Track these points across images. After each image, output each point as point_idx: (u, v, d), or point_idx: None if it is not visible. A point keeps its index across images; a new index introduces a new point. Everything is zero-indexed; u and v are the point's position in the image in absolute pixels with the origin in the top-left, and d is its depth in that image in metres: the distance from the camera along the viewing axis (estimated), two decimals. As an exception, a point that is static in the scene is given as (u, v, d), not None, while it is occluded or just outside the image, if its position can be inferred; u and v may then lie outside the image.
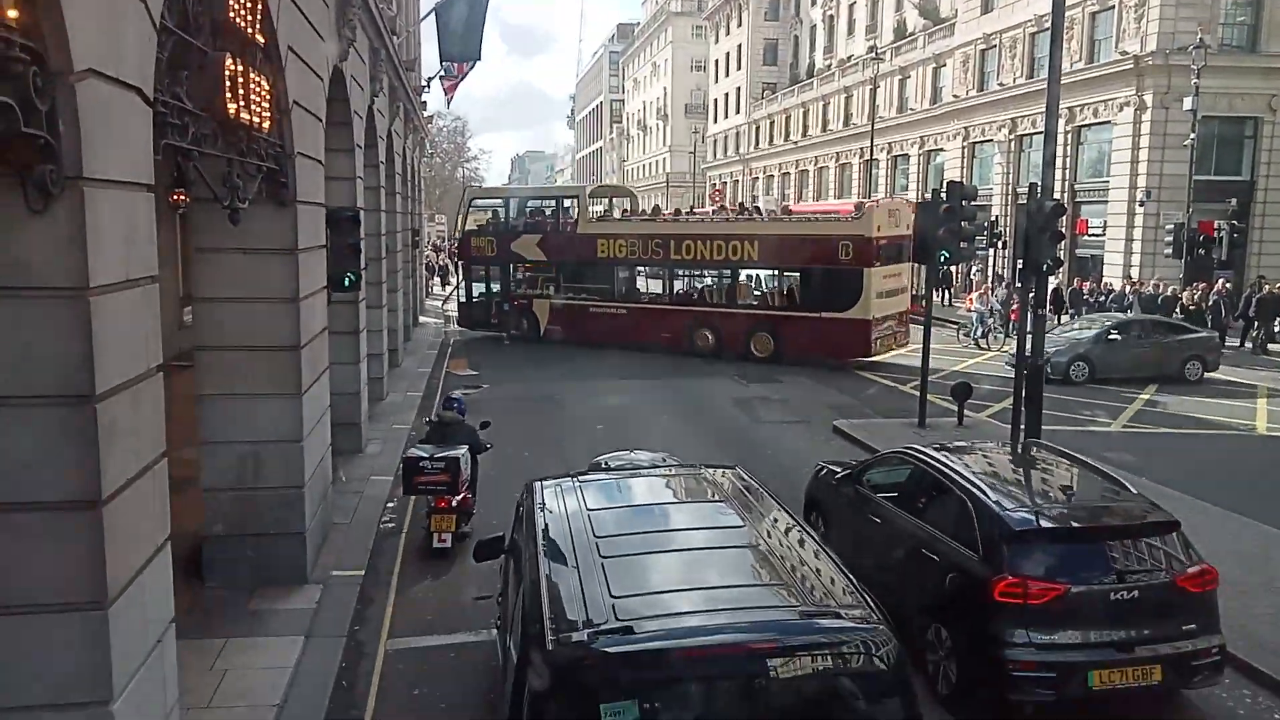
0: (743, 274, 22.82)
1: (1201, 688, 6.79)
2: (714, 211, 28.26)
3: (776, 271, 22.44)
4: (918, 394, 15.39)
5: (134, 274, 4.61)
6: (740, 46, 72.69)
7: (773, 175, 65.65)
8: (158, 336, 5.00)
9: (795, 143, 60.56)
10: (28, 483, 4.05)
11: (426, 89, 26.41)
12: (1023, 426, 12.70)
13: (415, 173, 31.49)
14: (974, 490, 7.11)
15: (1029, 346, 12.48)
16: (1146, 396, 18.64)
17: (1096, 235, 32.04)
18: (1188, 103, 26.51)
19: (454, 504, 9.79)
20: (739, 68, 73.00)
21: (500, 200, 29.00)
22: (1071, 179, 33.20)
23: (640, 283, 24.47)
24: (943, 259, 14.16)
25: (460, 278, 29.54)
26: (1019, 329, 12.96)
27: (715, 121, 79.41)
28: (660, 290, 24.06)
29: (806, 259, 21.42)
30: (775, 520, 5.61)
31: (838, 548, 5.85)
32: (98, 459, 4.14)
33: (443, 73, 28.66)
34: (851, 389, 19.47)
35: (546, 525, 5.38)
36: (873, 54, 45.52)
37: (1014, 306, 20.44)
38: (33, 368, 4.02)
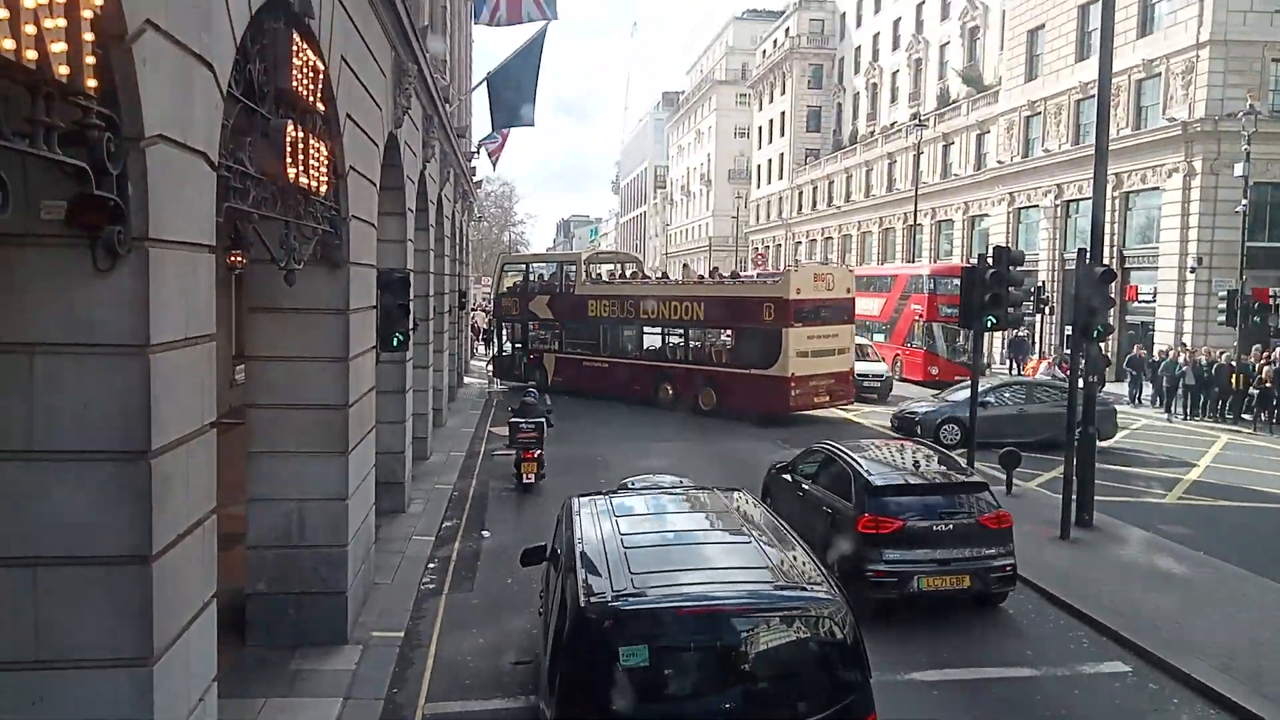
0: (692, 333, 24.72)
1: (997, 591, 9.76)
2: (714, 276, 29.02)
3: (717, 331, 24.26)
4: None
5: (192, 332, 4.71)
6: (783, 113, 73.66)
7: (815, 239, 65.84)
8: (213, 393, 5.10)
9: (838, 207, 60.79)
10: (81, 536, 4.11)
11: (476, 155, 27.06)
12: (1074, 498, 12.38)
13: (464, 236, 32.08)
14: (855, 465, 10.40)
15: (1079, 413, 12.23)
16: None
17: (1147, 302, 31.53)
18: (1239, 169, 26.16)
19: (537, 455, 15.09)
20: (782, 134, 73.88)
21: (523, 265, 32.73)
22: (1120, 245, 32.82)
23: (620, 340, 26.54)
24: (989, 324, 14.00)
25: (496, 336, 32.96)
26: (1070, 394, 12.71)
27: (758, 186, 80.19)
28: (634, 347, 26.20)
29: (739, 319, 23.28)
30: (766, 523, 6.90)
31: (779, 513, 8.10)
32: (149, 514, 4.19)
33: (492, 141, 29.48)
34: (852, 434, 19.53)
35: (582, 526, 6.58)
36: (916, 120, 45.85)
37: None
38: (91, 422, 4.11)
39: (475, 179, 33.44)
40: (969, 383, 22.37)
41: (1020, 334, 33.83)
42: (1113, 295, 12.44)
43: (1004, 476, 14.69)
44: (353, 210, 8.64)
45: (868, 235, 56.63)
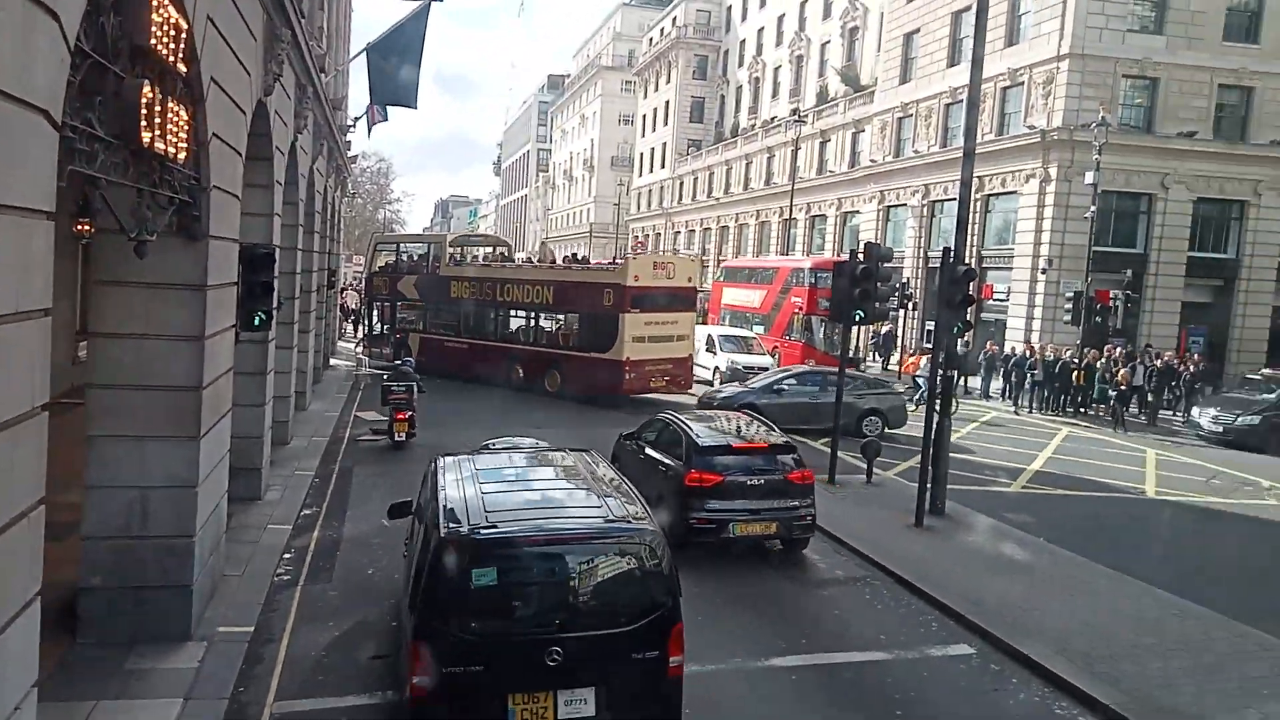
0: (541, 316, 25.30)
1: (799, 536, 11.40)
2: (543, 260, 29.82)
3: (562, 315, 24.79)
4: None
5: (25, 305, 4.33)
6: (668, 103, 74.13)
7: (694, 230, 66.63)
8: (46, 373, 4.70)
9: (717, 199, 61.69)
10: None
11: (352, 128, 26.09)
12: (929, 485, 12.93)
13: (335, 212, 30.99)
14: (687, 429, 11.96)
15: (938, 407, 12.76)
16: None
17: (1001, 300, 33.22)
18: (1089, 177, 27.82)
19: (409, 415, 17.11)
20: (665, 123, 74.35)
21: (393, 245, 32.79)
22: (979, 245, 34.45)
23: (477, 322, 27.01)
24: (857, 318, 14.43)
25: (366, 316, 33.37)
26: (929, 389, 13.24)
27: (640, 175, 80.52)
28: (489, 329, 26.60)
29: (580, 304, 23.85)
30: (606, 477, 7.91)
31: (626, 476, 8.62)
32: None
33: (377, 119, 28.55)
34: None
35: (445, 478, 7.47)
36: (795, 116, 46.90)
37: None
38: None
39: (350, 153, 32.30)
40: (773, 369, 24.40)
41: (886, 329, 35.20)
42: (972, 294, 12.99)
43: (864, 465, 15.23)
44: (214, 180, 8.17)
45: (745, 227, 57.70)
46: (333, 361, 30.22)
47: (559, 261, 29.26)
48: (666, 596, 6.40)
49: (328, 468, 15.49)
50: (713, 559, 11.32)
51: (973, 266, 14.31)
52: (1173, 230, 31.60)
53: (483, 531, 6.30)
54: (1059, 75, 31.48)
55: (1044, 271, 30.90)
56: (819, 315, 30.30)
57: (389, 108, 27.91)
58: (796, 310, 31.81)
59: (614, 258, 31.06)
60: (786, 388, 20.18)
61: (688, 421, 12.34)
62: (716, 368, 27.59)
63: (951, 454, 13.99)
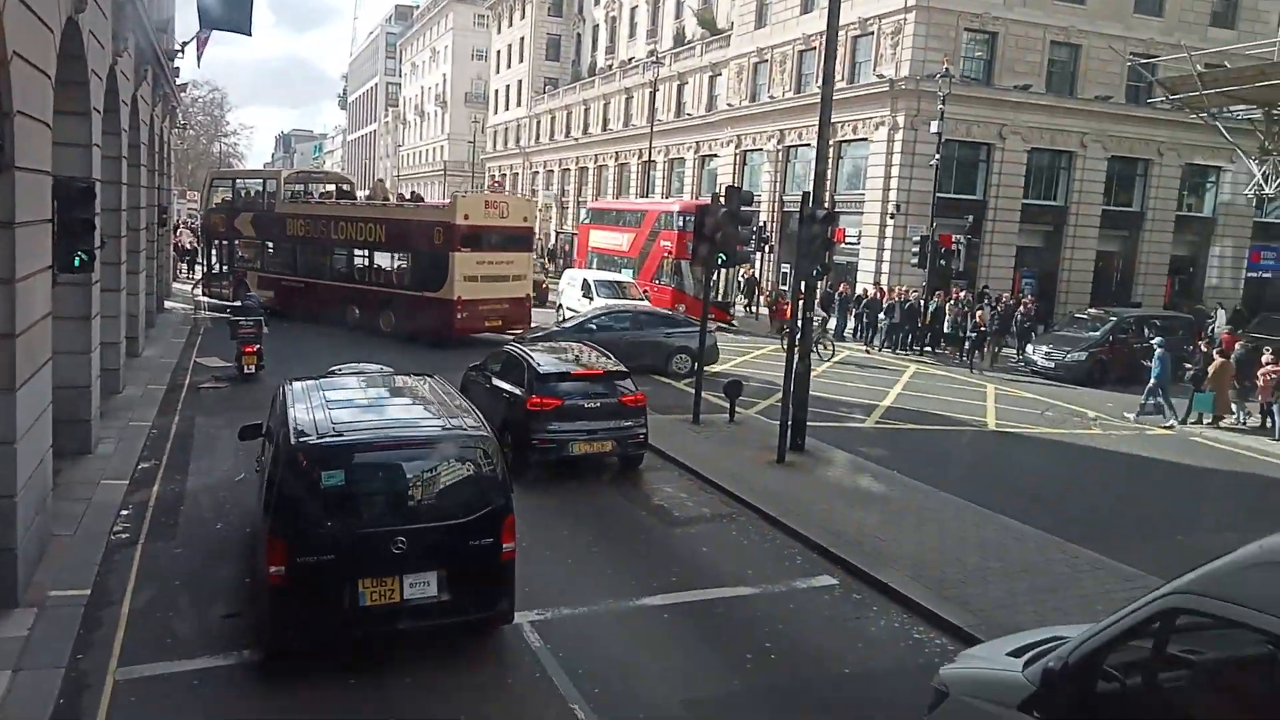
0: (375, 255, 24.95)
1: (634, 454, 12.49)
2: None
3: (395, 253, 24.49)
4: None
5: None
6: (523, 39, 72.16)
7: (553, 170, 65.66)
8: None
9: (576, 139, 60.87)
10: None
11: (180, 54, 23.98)
12: (790, 422, 13.25)
13: (165, 145, 28.65)
14: (529, 359, 12.65)
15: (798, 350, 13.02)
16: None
17: (853, 244, 34.29)
18: (934, 126, 28.83)
19: (257, 349, 17.54)
20: (521, 60, 72.46)
21: (230, 181, 31.80)
22: (833, 190, 35.30)
23: (313, 260, 26.47)
24: (720, 260, 14.49)
25: (205, 255, 32.41)
26: (790, 332, 13.50)
27: (496, 112, 78.43)
28: (325, 268, 26.11)
29: (412, 243, 23.58)
30: (445, 395, 8.66)
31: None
32: None
33: (203, 37, 26.24)
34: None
35: (294, 398, 8.04)
36: (652, 58, 46.53)
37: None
38: None
39: (180, 81, 29.82)
40: (587, 308, 24.12)
41: (750, 274, 35.74)
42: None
43: (727, 405, 15.46)
44: (19, 105, 7.27)
45: (604, 169, 57.26)
46: (168, 304, 28.31)
47: (392, 199, 28.49)
48: (499, 493, 7.28)
49: (167, 418, 14.50)
50: (583, 502, 11.28)
51: (831, 211, 14.51)
52: (1009, 179, 33.29)
53: (329, 439, 7.06)
54: (906, 26, 32.32)
55: (892, 216, 32.02)
56: (689, 259, 30.30)
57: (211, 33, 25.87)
58: (666, 254, 31.56)
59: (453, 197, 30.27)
60: (596, 326, 20.11)
61: (530, 351, 13.16)
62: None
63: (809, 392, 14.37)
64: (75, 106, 11.09)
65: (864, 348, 27.67)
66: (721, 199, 14.53)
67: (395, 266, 24.52)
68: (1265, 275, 37.43)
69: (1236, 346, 19.83)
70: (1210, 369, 18.52)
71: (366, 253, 25.04)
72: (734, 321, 31.05)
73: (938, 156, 29.11)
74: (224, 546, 9.27)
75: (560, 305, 28.24)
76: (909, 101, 31.98)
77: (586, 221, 39.92)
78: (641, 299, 27.63)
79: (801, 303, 13.01)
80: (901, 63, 32.23)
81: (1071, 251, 34.52)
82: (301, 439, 7.03)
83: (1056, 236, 34.63)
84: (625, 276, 29.99)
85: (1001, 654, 5.29)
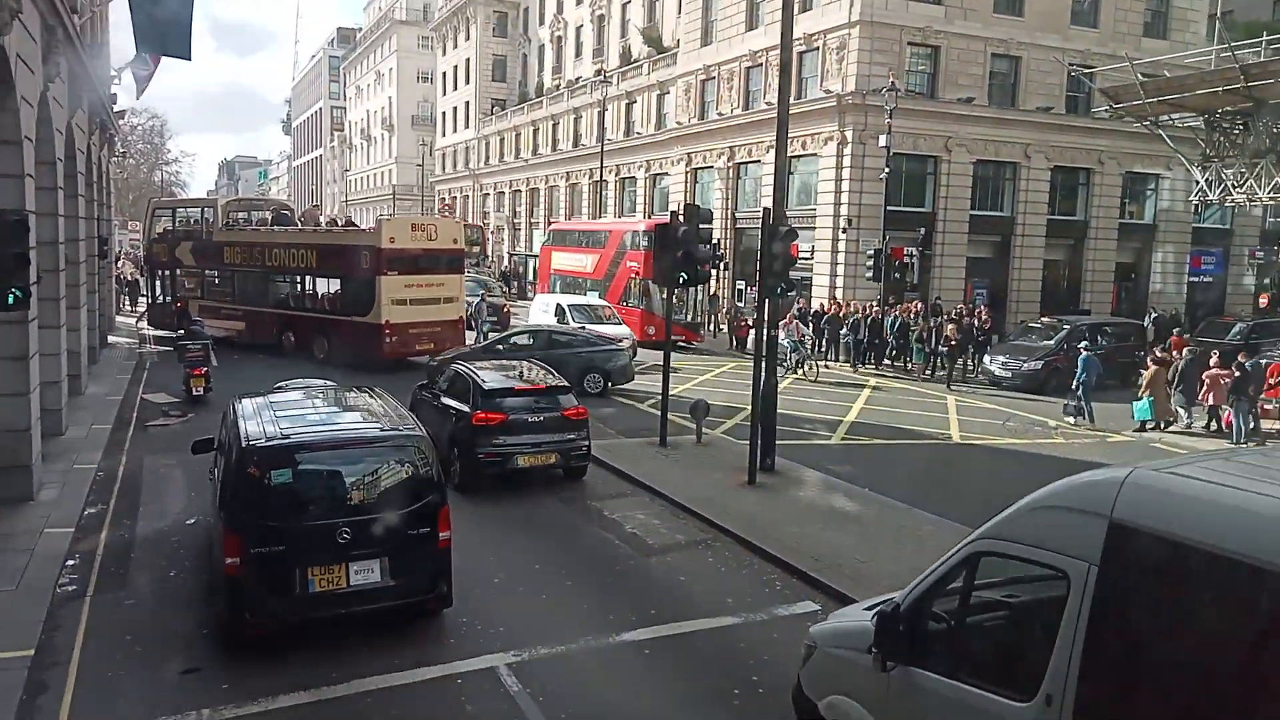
0: (307, 281, 24.79)
1: (577, 465, 12.93)
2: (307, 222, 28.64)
3: (326, 279, 24.24)
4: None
5: None
6: (468, 61, 71.83)
7: (504, 192, 65.30)
8: None
9: (526, 161, 60.62)
10: None
11: (117, 80, 23.29)
12: (760, 442, 13.08)
13: (103, 174, 27.84)
14: (474, 376, 13.15)
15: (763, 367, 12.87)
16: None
17: (805, 259, 34.39)
18: (882, 140, 29.15)
19: (205, 371, 18.20)
20: (467, 82, 72.09)
21: (170, 210, 32.09)
22: (784, 205, 35.47)
23: (251, 288, 26.23)
24: (681, 280, 14.32)
25: (149, 285, 32.08)
26: (755, 350, 13.36)
27: (444, 135, 77.86)
28: (262, 295, 25.84)
29: (341, 268, 23.48)
30: (385, 404, 9.43)
31: (422, 424, 9.79)
32: None
33: (141, 67, 25.50)
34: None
35: (244, 410, 8.70)
36: (600, 77, 46.56)
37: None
38: None
39: (117, 108, 28.98)
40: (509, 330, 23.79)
41: (714, 292, 35.39)
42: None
43: (694, 426, 15.26)
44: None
45: (555, 190, 57.07)
46: (111, 339, 27.41)
47: (323, 224, 28.20)
48: (434, 487, 8.11)
49: (114, 459, 13.90)
50: (554, 533, 10.98)
51: (793, 228, 14.45)
52: (956, 190, 33.72)
53: (276, 441, 7.82)
54: (850, 41, 32.64)
55: (844, 230, 32.23)
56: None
57: (159, 61, 25.13)
58: (633, 275, 31.04)
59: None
60: (506, 346, 20.30)
61: (476, 369, 13.67)
62: None
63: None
64: (6, 135, 10.61)
65: (822, 362, 27.62)
66: (681, 217, 14.37)
67: (326, 292, 24.28)
68: (1206, 279, 38.57)
69: (1184, 351, 20.19)
70: (1145, 376, 18.68)
71: (299, 279, 24.90)
72: (702, 341, 30.92)
73: (887, 170, 29.42)
74: (179, 595, 8.82)
75: None
76: (856, 116, 32.28)
77: (548, 243, 39.23)
78: (619, 324, 26.48)
79: (765, 321, 12.86)
80: (847, 78, 32.54)
81: (1020, 262, 35.03)
82: (251, 442, 7.79)
83: (1004, 247, 35.12)
84: (597, 300, 28.90)
85: (860, 609, 5.96)
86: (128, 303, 39.44)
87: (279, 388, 11.12)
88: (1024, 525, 4.67)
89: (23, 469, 11.23)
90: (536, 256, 55.54)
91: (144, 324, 31.40)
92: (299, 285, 24.94)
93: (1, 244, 8.69)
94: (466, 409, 12.63)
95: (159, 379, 21.31)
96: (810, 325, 28.22)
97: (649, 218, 44.80)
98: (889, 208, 30.25)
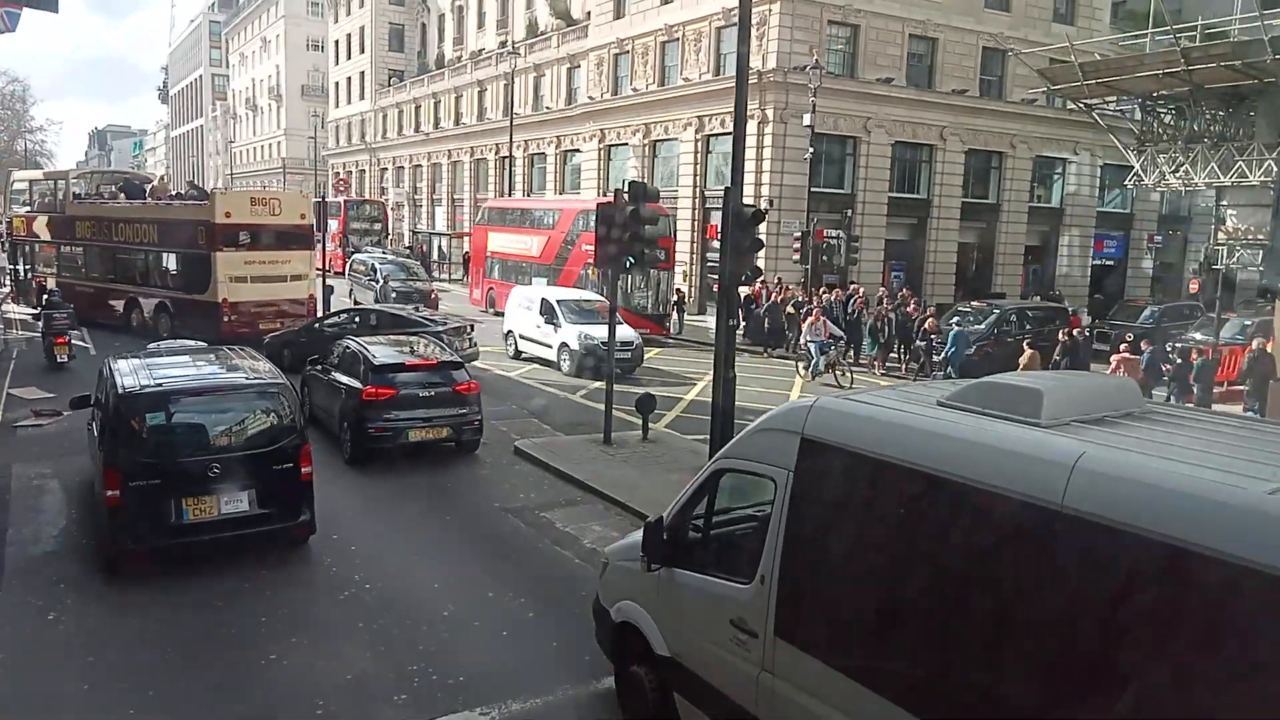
0: (150, 256, 23.72)
1: (469, 439, 13.10)
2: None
3: (167, 254, 23.26)
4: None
5: None
6: (362, 29, 68.63)
7: (403, 167, 62.67)
8: None
9: (426, 135, 58.21)
10: None
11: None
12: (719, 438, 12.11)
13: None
14: (365, 351, 13.20)
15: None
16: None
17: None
18: (806, 119, 28.55)
19: (68, 340, 18.62)
20: (362, 52, 68.89)
21: (28, 182, 30.35)
22: (703, 185, 34.73)
23: (100, 263, 25.23)
24: (628, 264, 13.20)
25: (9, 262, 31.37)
26: (717, 336, 12.38)
27: (337, 106, 74.33)
28: (111, 270, 24.85)
29: (179, 243, 22.60)
30: (249, 357, 10.59)
31: (314, 401, 13.81)
32: None
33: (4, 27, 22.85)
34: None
35: (119, 367, 9.40)
36: (505, 49, 44.73)
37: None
38: None
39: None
40: (554, 339, 20.90)
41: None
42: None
43: (639, 421, 14.23)
44: None
45: (459, 165, 54.95)
46: (-31, 326, 24.64)
47: (172, 195, 26.63)
48: (294, 429, 9.10)
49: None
50: (508, 550, 9.78)
51: (760, 209, 13.50)
52: (875, 172, 33.49)
53: (150, 388, 8.82)
54: (771, 18, 31.91)
55: (765, 211, 31.49)
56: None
57: (21, 10, 22.52)
58: (589, 260, 28.37)
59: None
60: (328, 326, 19.26)
61: (366, 344, 13.56)
62: (564, 345, 20.90)
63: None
64: None
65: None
66: (626, 195, 13.24)
67: (167, 268, 23.22)
68: (1108, 263, 39.58)
69: (1075, 333, 20.39)
70: (1021, 360, 18.11)
71: (143, 255, 23.84)
72: (668, 334, 27.79)
73: (811, 150, 28.88)
74: (61, 644, 7.31)
75: (510, 333, 23.49)
76: (778, 94, 31.62)
77: (483, 222, 35.84)
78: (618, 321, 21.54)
79: (725, 309, 11.87)
80: (768, 55, 31.81)
81: (935, 244, 35.14)
82: (128, 390, 8.72)
83: (920, 229, 35.16)
84: (592, 295, 23.90)
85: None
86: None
87: (151, 349, 11.64)
88: (749, 445, 5.71)
89: None
90: (442, 235, 53.77)
91: (9, 306, 28.67)
92: (144, 261, 23.81)
93: None
94: (358, 384, 12.64)
95: (27, 370, 19.04)
96: (843, 321, 24.14)
97: (560, 194, 43.61)
98: (810, 189, 29.80)
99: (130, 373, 9.14)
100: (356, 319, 19.71)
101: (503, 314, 30.03)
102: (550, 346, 21.21)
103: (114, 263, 24.73)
